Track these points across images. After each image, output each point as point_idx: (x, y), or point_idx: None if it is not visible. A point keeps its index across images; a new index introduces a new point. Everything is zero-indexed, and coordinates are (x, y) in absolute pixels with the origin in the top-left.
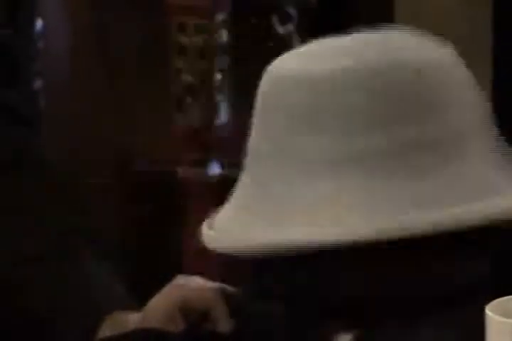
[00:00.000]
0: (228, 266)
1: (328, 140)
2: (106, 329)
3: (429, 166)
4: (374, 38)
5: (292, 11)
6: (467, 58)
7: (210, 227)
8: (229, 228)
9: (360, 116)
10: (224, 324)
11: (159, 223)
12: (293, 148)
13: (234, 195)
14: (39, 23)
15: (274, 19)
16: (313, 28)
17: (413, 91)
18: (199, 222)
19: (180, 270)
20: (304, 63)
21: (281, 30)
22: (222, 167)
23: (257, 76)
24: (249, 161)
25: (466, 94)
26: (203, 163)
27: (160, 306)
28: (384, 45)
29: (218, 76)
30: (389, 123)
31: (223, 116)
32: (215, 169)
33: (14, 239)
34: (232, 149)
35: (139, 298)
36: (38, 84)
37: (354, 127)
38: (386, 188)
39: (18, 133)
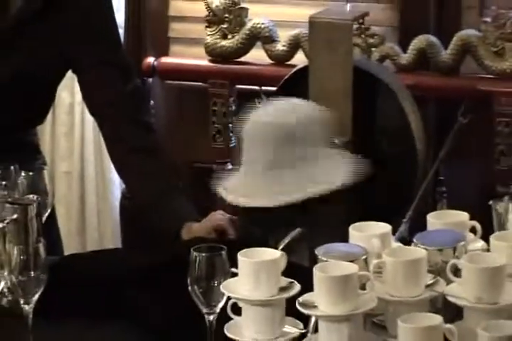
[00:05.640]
0: (234, 208)
1: (271, 152)
2: (182, 231)
3: (305, 165)
4: (293, 107)
5: (264, 97)
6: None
7: (225, 188)
8: (232, 190)
9: (286, 143)
10: (233, 235)
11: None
12: (258, 155)
13: (235, 173)
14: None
15: (257, 101)
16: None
17: (307, 132)
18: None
19: (214, 209)
20: (265, 118)
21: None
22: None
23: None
24: (242, 161)
25: (320, 129)
26: (225, 163)
27: (204, 225)
28: (295, 111)
29: (231, 125)
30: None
31: (234, 142)
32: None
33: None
34: (238, 157)
35: (199, 216)
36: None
37: (281, 148)
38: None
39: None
